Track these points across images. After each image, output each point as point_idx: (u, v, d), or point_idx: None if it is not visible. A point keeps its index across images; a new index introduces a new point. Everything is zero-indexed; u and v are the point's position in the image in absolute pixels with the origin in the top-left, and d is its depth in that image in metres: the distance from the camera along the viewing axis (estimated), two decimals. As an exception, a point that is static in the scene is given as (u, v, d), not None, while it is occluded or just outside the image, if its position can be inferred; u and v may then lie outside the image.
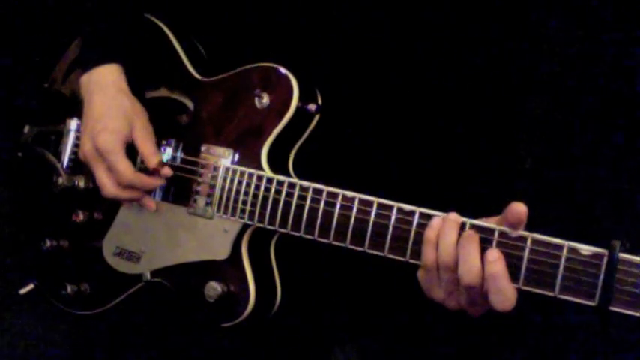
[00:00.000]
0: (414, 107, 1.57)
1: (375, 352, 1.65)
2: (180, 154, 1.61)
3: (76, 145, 1.72)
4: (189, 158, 1.59)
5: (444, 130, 1.56)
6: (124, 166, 1.54)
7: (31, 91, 1.87)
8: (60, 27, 1.93)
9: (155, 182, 1.58)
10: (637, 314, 1.15)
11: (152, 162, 1.56)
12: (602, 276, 1.17)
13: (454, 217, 1.26)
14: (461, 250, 1.24)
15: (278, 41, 1.62)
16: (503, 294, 1.21)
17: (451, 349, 1.61)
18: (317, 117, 1.54)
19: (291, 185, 1.45)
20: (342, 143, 1.60)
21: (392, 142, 1.59)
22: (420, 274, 1.31)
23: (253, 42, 1.67)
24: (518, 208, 1.22)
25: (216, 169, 1.54)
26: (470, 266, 1.23)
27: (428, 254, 1.27)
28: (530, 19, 1.57)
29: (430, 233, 1.27)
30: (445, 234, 1.25)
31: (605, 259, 1.17)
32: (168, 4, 1.74)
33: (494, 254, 1.22)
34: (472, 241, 1.24)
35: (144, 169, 1.59)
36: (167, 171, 1.57)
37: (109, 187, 1.56)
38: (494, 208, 1.30)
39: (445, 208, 1.30)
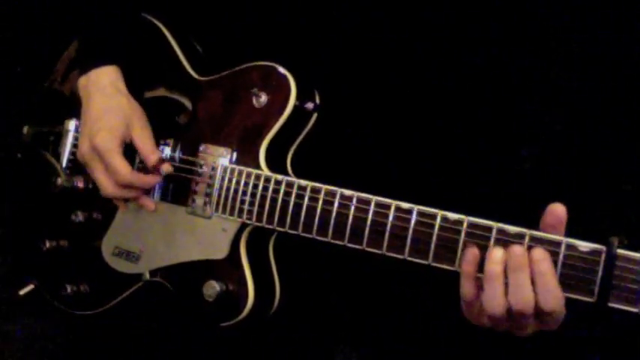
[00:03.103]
0: (414, 107, 1.57)
1: (375, 353, 1.64)
2: (178, 154, 1.61)
3: (75, 146, 1.72)
4: (187, 158, 1.59)
5: (444, 130, 1.56)
6: (122, 165, 1.54)
7: (30, 91, 1.87)
8: (59, 27, 1.93)
9: (153, 180, 1.58)
10: (636, 310, 1.14)
11: (151, 160, 1.56)
12: (600, 272, 1.16)
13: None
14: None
15: (278, 41, 1.63)
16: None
17: (451, 350, 1.60)
18: (315, 116, 1.54)
19: (289, 184, 1.44)
20: (341, 143, 1.59)
21: (392, 142, 1.58)
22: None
23: (253, 42, 1.67)
24: (557, 209, 1.22)
25: (214, 168, 1.54)
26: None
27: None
28: (531, 19, 1.56)
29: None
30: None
31: (603, 256, 1.16)
32: (167, 3, 1.74)
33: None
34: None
35: (142, 169, 1.59)
36: (167, 167, 1.57)
37: (107, 186, 1.56)
38: (494, 208, 1.30)
39: (445, 208, 1.30)
